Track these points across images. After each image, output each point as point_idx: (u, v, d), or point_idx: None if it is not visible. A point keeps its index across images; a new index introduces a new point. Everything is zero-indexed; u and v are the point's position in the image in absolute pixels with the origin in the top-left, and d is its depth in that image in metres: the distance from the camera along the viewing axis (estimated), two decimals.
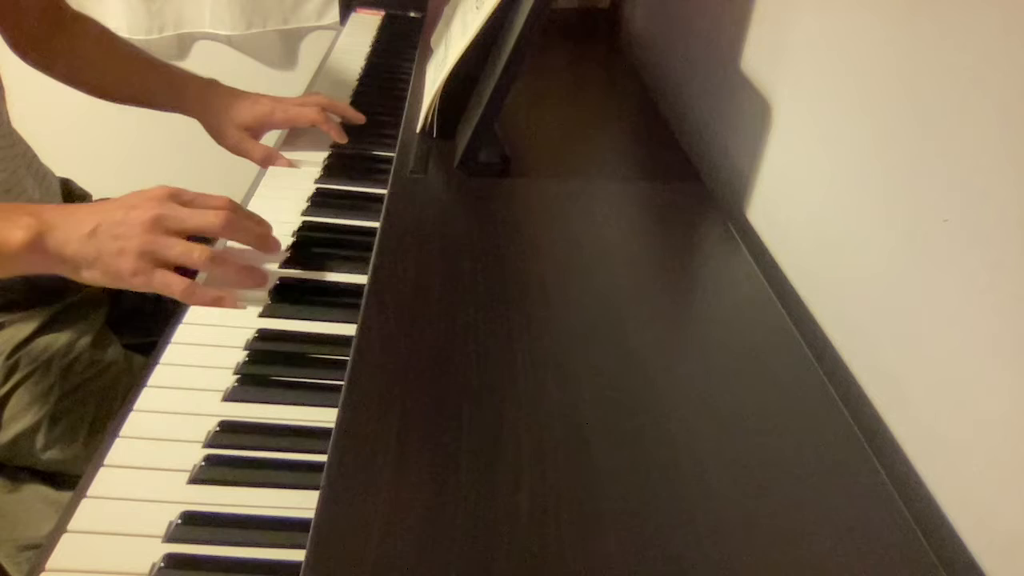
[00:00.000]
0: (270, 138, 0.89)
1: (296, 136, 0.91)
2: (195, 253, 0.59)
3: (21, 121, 0.82)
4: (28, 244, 0.55)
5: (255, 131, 0.86)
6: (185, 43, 1.65)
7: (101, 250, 0.57)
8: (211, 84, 0.87)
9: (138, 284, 0.58)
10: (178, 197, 0.61)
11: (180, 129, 0.96)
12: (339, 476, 0.40)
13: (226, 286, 0.63)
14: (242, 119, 0.85)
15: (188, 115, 0.87)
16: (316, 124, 0.86)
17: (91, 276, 0.58)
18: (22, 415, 0.71)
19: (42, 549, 0.43)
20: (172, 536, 0.44)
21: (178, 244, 0.59)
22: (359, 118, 0.91)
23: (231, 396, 0.54)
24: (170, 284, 0.60)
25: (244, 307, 0.63)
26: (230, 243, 0.67)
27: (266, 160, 0.85)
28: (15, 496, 0.73)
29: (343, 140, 0.88)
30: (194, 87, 0.87)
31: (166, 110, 0.88)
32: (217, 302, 0.62)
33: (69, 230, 0.57)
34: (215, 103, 0.86)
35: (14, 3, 0.80)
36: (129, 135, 1.67)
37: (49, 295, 0.76)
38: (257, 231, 0.65)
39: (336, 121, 0.90)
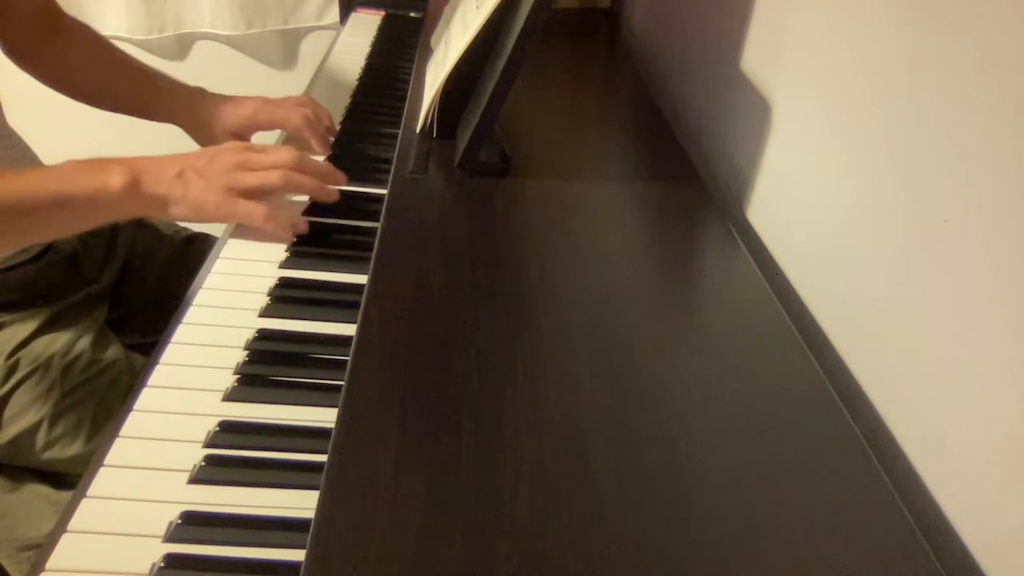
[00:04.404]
0: (270, 138, 0.89)
1: (295, 137, 0.90)
2: (271, 177, 0.68)
3: (21, 122, 0.82)
4: (125, 187, 0.61)
5: (242, 135, 0.86)
6: (185, 43, 1.65)
7: (188, 188, 0.64)
8: (198, 93, 0.88)
9: (223, 215, 0.66)
10: (251, 148, 0.69)
11: (181, 130, 0.96)
12: (339, 476, 0.40)
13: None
14: (227, 124, 0.85)
15: (176, 124, 0.88)
16: (300, 131, 0.86)
17: (178, 212, 0.65)
18: (22, 415, 0.71)
19: (42, 549, 0.43)
20: (172, 536, 0.44)
21: (256, 174, 0.67)
22: (332, 132, 0.90)
23: (231, 396, 0.54)
24: (252, 212, 0.67)
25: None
26: None
27: None
28: (15, 496, 0.73)
29: (324, 152, 0.86)
30: (181, 96, 0.87)
31: (153, 119, 0.88)
32: (295, 227, 0.70)
33: (159, 173, 0.63)
34: (201, 111, 0.86)
35: (9, 9, 0.80)
36: (130, 135, 1.67)
37: (49, 295, 0.76)
38: (324, 166, 0.74)
39: (321, 129, 0.88)
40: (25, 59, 0.84)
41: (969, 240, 0.44)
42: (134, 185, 0.62)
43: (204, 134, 0.87)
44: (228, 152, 0.68)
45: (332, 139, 0.89)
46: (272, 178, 0.68)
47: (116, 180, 0.61)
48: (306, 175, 0.70)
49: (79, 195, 0.61)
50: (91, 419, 0.73)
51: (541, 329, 0.52)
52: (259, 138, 0.89)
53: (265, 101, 0.87)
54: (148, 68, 0.88)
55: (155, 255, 0.92)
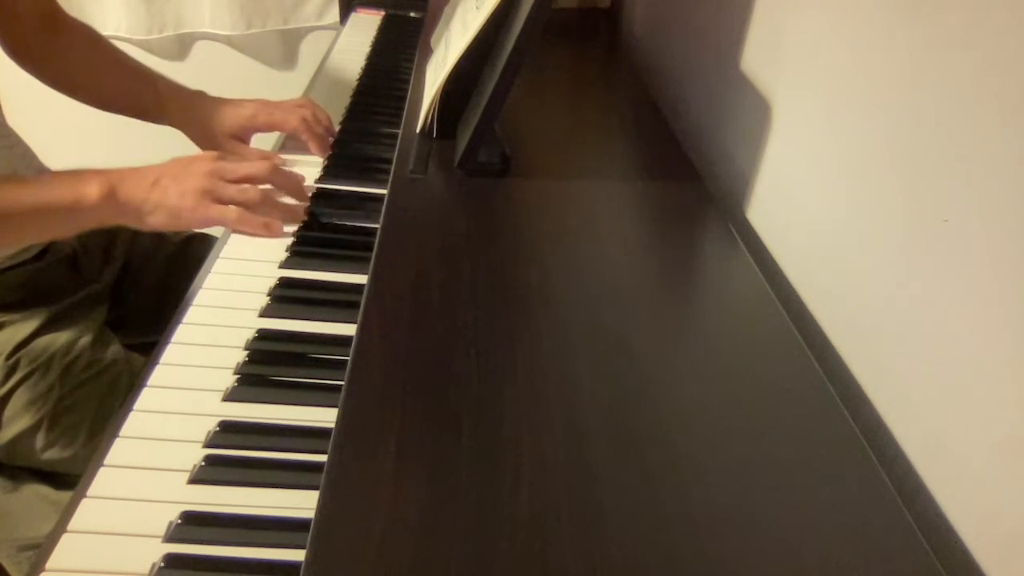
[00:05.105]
0: (268, 140, 0.89)
1: (295, 137, 0.90)
2: (249, 192, 0.71)
3: (21, 122, 0.82)
4: (103, 197, 0.63)
5: (241, 136, 0.86)
6: (185, 43, 1.65)
7: (165, 195, 0.66)
8: (197, 95, 0.88)
9: (197, 218, 0.67)
10: (226, 157, 0.72)
11: (180, 132, 0.96)
12: (339, 475, 0.40)
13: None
14: (227, 126, 0.85)
15: (175, 127, 0.88)
16: (298, 133, 0.86)
17: (155, 221, 0.67)
18: (22, 415, 0.71)
19: (42, 549, 0.43)
20: (172, 536, 0.44)
21: (233, 185, 0.70)
22: (331, 134, 0.90)
23: (231, 396, 0.54)
24: (225, 214, 0.69)
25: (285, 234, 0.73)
26: None
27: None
28: (15, 496, 0.73)
29: (322, 154, 0.87)
30: (181, 99, 0.87)
31: (153, 121, 0.88)
32: (267, 227, 0.71)
33: (136, 182, 0.66)
34: (200, 113, 0.86)
35: (10, 10, 0.80)
36: (129, 136, 1.67)
37: (49, 295, 0.76)
38: (295, 180, 0.77)
39: (320, 131, 0.88)
40: (26, 59, 0.84)
41: (969, 240, 0.44)
42: (111, 194, 0.64)
43: (203, 136, 0.87)
44: (203, 160, 0.70)
45: (331, 140, 0.89)
46: (250, 195, 0.70)
47: (94, 190, 0.63)
48: (278, 184, 0.74)
49: (58, 204, 0.63)
50: (91, 419, 0.73)
51: (541, 329, 0.52)
52: (258, 140, 0.89)
53: (264, 103, 0.87)
54: (148, 70, 0.88)
55: (155, 255, 0.92)
